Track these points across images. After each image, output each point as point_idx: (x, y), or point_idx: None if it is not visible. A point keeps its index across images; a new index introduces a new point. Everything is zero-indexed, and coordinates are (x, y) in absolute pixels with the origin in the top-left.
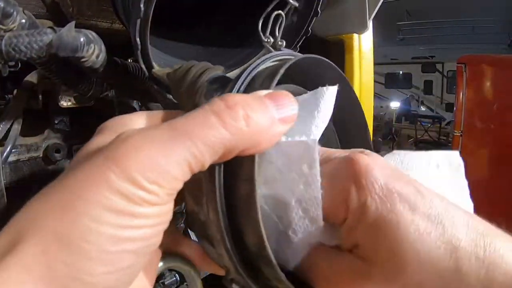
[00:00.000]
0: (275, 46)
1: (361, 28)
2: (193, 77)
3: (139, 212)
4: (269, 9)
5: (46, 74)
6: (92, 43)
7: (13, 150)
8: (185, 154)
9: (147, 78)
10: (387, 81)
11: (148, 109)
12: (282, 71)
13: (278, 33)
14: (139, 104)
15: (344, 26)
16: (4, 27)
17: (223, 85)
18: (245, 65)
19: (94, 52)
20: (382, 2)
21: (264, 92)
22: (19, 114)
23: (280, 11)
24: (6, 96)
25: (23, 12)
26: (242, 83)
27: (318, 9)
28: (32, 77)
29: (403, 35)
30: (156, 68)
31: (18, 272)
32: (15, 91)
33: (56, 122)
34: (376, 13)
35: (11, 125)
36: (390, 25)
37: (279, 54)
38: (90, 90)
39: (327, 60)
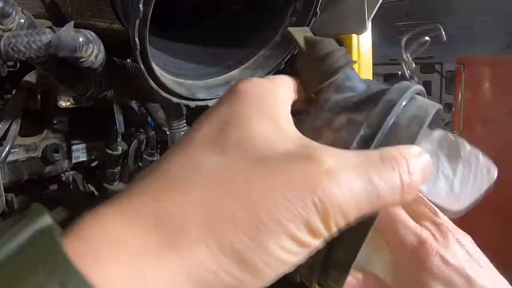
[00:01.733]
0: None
1: (360, 29)
2: (331, 65)
3: (312, 244)
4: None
5: (45, 74)
6: (91, 43)
7: (11, 150)
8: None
9: (146, 78)
10: (386, 81)
11: (147, 109)
12: (429, 119)
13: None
14: (138, 104)
15: (343, 27)
16: (3, 27)
17: (358, 103)
18: (386, 94)
19: (93, 52)
20: (381, 3)
21: (417, 150)
22: (18, 114)
23: (427, 38)
24: (5, 96)
25: (22, 12)
26: (390, 120)
27: (317, 9)
28: (31, 77)
29: (402, 36)
30: (292, 28)
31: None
32: (13, 91)
33: (54, 122)
34: (375, 13)
35: (10, 125)
36: (389, 25)
37: (415, 86)
38: (89, 90)
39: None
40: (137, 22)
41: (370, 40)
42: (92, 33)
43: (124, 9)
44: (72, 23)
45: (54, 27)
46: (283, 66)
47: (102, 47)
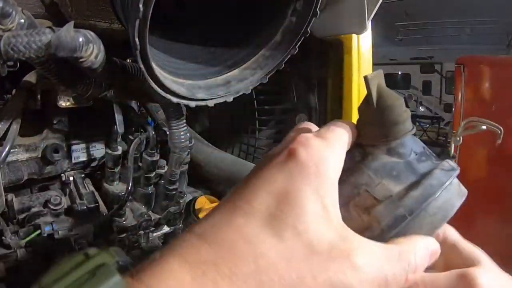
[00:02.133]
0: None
1: (360, 29)
2: (395, 129)
3: None
4: None
5: (45, 74)
6: (90, 43)
7: (11, 150)
8: None
9: (146, 78)
10: (386, 81)
11: (147, 109)
12: (453, 213)
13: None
14: (138, 104)
15: (343, 27)
16: (3, 27)
17: (402, 175)
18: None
19: (93, 52)
20: (381, 3)
21: (429, 244)
22: (18, 114)
23: (483, 127)
24: (5, 96)
25: (22, 12)
26: (422, 208)
27: (317, 9)
28: (30, 77)
29: (402, 36)
30: (370, 74)
31: None
32: (13, 91)
33: (54, 122)
34: (375, 13)
35: (10, 125)
36: (389, 25)
37: (455, 172)
38: (89, 90)
39: None
40: (137, 22)
41: (370, 40)
42: (92, 33)
43: (124, 9)
44: (72, 23)
45: (54, 27)
46: (283, 66)
47: (102, 47)
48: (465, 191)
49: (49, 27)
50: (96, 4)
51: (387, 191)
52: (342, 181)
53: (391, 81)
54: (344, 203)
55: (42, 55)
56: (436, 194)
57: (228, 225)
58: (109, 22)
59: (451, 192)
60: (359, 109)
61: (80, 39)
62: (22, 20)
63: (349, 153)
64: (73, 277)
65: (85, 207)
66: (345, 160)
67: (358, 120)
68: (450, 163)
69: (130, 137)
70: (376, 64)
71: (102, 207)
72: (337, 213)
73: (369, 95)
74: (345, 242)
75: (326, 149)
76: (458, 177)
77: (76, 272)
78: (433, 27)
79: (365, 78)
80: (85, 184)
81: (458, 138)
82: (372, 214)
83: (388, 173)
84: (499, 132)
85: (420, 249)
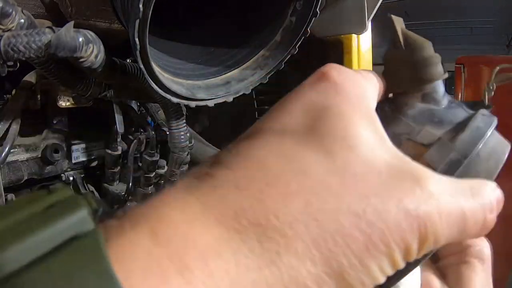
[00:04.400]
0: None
1: (360, 29)
2: (427, 72)
3: (401, 266)
4: None
5: (45, 74)
6: (90, 43)
7: (11, 150)
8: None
9: (146, 78)
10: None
11: (147, 109)
12: (505, 158)
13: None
14: (138, 104)
15: (343, 27)
16: (2, 27)
17: (443, 120)
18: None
19: (93, 52)
20: (381, 3)
21: (495, 187)
22: (18, 114)
23: None
24: (5, 96)
25: (22, 12)
26: (476, 150)
27: (317, 9)
28: (30, 77)
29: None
30: (394, 16)
31: None
32: (13, 91)
33: (54, 122)
34: (375, 14)
35: (10, 125)
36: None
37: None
38: (89, 90)
39: None
40: (137, 22)
41: (370, 40)
42: (92, 33)
43: (124, 9)
44: (72, 23)
45: (54, 27)
46: (283, 66)
47: (102, 47)
48: (508, 142)
49: (49, 27)
50: (96, 4)
51: (433, 136)
52: None
53: (470, 103)
54: None
55: (42, 55)
56: (486, 136)
57: (258, 148)
58: (109, 22)
59: (497, 138)
60: (385, 57)
61: (80, 39)
62: (22, 20)
63: (378, 107)
64: (20, 214)
65: None
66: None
67: (384, 71)
68: (486, 111)
69: (130, 137)
70: (376, 64)
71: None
72: (387, 137)
73: (396, 36)
74: (406, 164)
75: (363, 81)
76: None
77: (27, 208)
78: (433, 27)
79: (390, 17)
80: (85, 184)
81: (491, 87)
82: (423, 160)
83: (429, 119)
84: None
85: (491, 189)
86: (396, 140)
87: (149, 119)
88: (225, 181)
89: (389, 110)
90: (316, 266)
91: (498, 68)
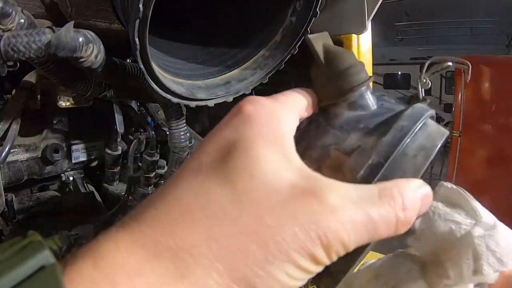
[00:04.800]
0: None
1: (360, 29)
2: (349, 81)
3: (314, 271)
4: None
5: (45, 74)
6: (90, 43)
7: (11, 150)
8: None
9: (146, 78)
10: (386, 81)
11: (147, 109)
12: (436, 152)
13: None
14: (138, 104)
15: (343, 27)
16: (2, 27)
17: (369, 125)
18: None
19: (93, 52)
20: (381, 3)
21: (416, 184)
22: (18, 114)
23: (450, 63)
24: (5, 96)
25: (22, 12)
26: (398, 151)
27: (317, 9)
28: (30, 77)
29: (401, 36)
30: (313, 35)
31: None
32: (13, 91)
33: (54, 122)
34: (375, 14)
35: (10, 125)
36: (389, 25)
37: (428, 112)
38: (89, 90)
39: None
40: (137, 22)
41: (370, 40)
42: (92, 33)
43: (124, 9)
44: (72, 23)
45: (54, 27)
46: (283, 66)
47: (102, 47)
48: (445, 131)
49: (49, 27)
50: (96, 4)
51: (355, 143)
52: (309, 147)
53: (391, 81)
54: (316, 168)
55: (42, 55)
56: (413, 133)
57: (177, 186)
58: (109, 22)
59: (428, 131)
60: (312, 74)
61: (80, 39)
62: (22, 20)
63: (313, 120)
64: (2, 255)
65: (85, 207)
66: (310, 128)
67: (313, 86)
68: (420, 105)
69: (130, 137)
70: (376, 64)
71: (102, 207)
72: (296, 157)
73: (315, 55)
74: (310, 181)
75: (277, 107)
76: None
77: (7, 250)
78: (433, 27)
79: (307, 38)
80: (85, 184)
81: (424, 80)
82: (345, 169)
83: (354, 126)
84: (467, 68)
85: (403, 187)
86: (325, 151)
87: (149, 119)
88: (149, 218)
89: (322, 122)
90: (222, 277)
91: (428, 61)
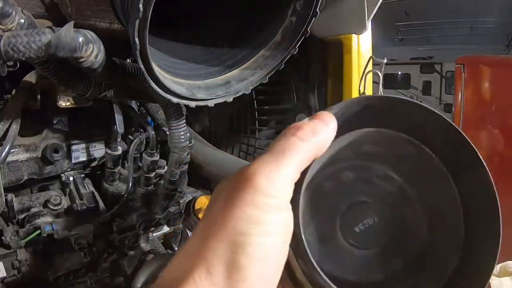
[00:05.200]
0: None
1: (360, 29)
2: None
3: (268, 220)
4: None
5: (45, 74)
6: (90, 43)
7: (11, 150)
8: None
9: (146, 78)
10: (386, 81)
11: (147, 109)
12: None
13: None
14: (138, 104)
15: (343, 27)
16: (2, 27)
17: None
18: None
19: (93, 52)
20: (381, 3)
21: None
22: (18, 114)
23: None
24: (5, 96)
25: (22, 12)
26: None
27: (317, 9)
28: (30, 77)
29: (401, 36)
30: None
31: None
32: (13, 91)
33: (54, 122)
34: (375, 14)
35: (10, 125)
36: (389, 25)
37: None
38: (89, 90)
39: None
40: (137, 22)
41: (370, 40)
42: (92, 33)
43: (124, 9)
44: (72, 23)
45: (54, 27)
46: (283, 66)
47: (102, 47)
48: None
49: (49, 27)
50: (96, 4)
51: None
52: None
53: (391, 81)
54: None
55: (42, 55)
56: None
57: None
58: (109, 22)
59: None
60: None
61: (80, 39)
62: (22, 20)
63: None
64: None
65: (85, 207)
66: None
67: None
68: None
69: (130, 137)
70: (376, 64)
71: (102, 207)
72: None
73: None
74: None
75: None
76: None
77: None
78: (433, 27)
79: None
80: (85, 184)
81: (366, 76)
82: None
83: None
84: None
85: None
86: None
87: (149, 119)
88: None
89: None
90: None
91: (369, 56)
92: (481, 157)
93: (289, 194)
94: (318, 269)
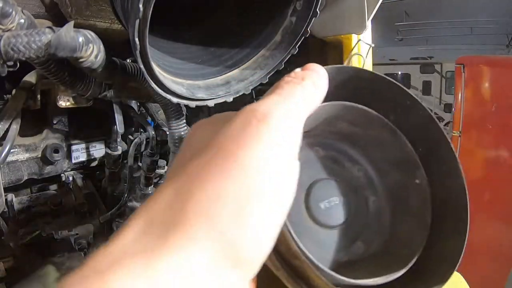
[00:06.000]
0: None
1: (360, 29)
2: None
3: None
4: None
5: (45, 74)
6: (90, 43)
7: (11, 150)
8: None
9: (146, 78)
10: None
11: (147, 109)
12: None
13: None
14: (138, 104)
15: (343, 27)
16: (2, 27)
17: None
18: None
19: (93, 52)
20: (381, 3)
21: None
22: (18, 114)
23: None
24: (5, 96)
25: (22, 12)
26: None
27: (317, 9)
28: (30, 77)
29: (401, 36)
30: None
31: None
32: (13, 91)
33: (54, 122)
34: (375, 13)
35: (10, 125)
36: (389, 25)
37: None
38: (89, 90)
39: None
40: (137, 22)
41: (370, 40)
42: (92, 33)
43: (124, 9)
44: (72, 23)
45: (54, 27)
46: (283, 66)
47: (102, 47)
48: None
49: (49, 27)
50: (96, 4)
51: None
52: None
53: None
54: None
55: (42, 55)
56: None
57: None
58: (109, 22)
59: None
60: None
61: (80, 39)
62: (22, 20)
63: None
64: None
65: (85, 207)
66: None
67: None
68: None
69: (130, 137)
70: (376, 64)
71: (102, 207)
72: None
73: None
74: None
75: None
76: None
77: None
78: (433, 27)
79: None
80: (85, 184)
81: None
82: None
83: None
84: None
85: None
86: None
87: (149, 119)
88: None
89: None
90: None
91: (352, 53)
92: (454, 151)
93: (299, 142)
94: (298, 240)
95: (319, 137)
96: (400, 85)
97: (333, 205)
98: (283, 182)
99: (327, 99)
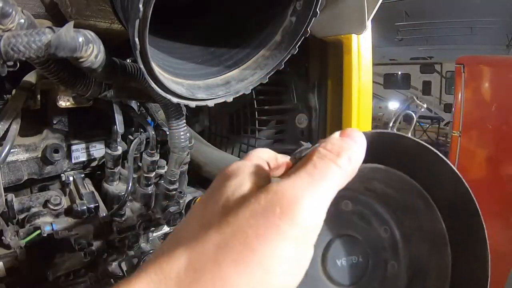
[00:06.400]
0: None
1: (360, 29)
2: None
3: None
4: None
5: (45, 74)
6: (90, 43)
7: (11, 150)
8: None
9: (146, 78)
10: (386, 81)
11: (147, 109)
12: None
13: None
14: (138, 104)
15: (343, 27)
16: (3, 27)
17: None
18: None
19: (93, 52)
20: (381, 3)
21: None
22: (18, 114)
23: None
24: (5, 96)
25: (22, 12)
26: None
27: (317, 9)
28: (30, 77)
29: (401, 36)
30: None
31: None
32: (13, 91)
33: (54, 122)
34: (375, 13)
35: (10, 125)
36: (389, 25)
37: None
38: (89, 90)
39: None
40: (137, 22)
41: (370, 40)
42: (92, 33)
43: (124, 9)
44: (72, 23)
45: (54, 27)
46: (283, 66)
47: (102, 47)
48: None
49: (49, 27)
50: (96, 4)
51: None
52: None
53: (391, 81)
54: None
55: (42, 55)
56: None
57: None
58: (109, 22)
59: None
60: None
61: (80, 39)
62: (22, 20)
63: None
64: None
65: (85, 207)
66: None
67: None
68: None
69: (130, 137)
70: (376, 64)
71: (102, 207)
72: None
73: None
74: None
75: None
76: None
77: None
78: (433, 27)
79: None
80: (85, 184)
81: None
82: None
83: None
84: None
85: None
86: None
87: (149, 119)
88: None
89: None
90: None
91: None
92: (485, 230)
93: (320, 226)
94: None
95: (351, 191)
96: (444, 158)
97: (350, 264)
98: (296, 279)
99: (365, 160)
